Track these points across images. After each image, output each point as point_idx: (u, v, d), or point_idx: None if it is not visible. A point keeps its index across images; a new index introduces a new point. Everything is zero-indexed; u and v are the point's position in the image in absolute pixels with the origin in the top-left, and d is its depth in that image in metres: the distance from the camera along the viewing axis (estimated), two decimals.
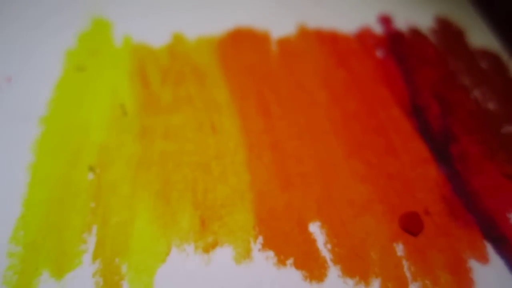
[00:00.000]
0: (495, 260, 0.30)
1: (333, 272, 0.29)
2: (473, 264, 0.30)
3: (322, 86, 0.41)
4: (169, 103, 0.39)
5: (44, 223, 0.31)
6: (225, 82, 0.41)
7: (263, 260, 0.30)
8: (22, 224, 0.31)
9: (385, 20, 0.48)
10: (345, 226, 0.31)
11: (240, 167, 0.34)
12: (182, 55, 0.43)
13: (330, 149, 0.36)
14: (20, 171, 0.33)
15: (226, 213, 0.32)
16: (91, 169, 0.34)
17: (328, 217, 0.32)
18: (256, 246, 0.30)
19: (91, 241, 0.30)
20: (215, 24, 0.46)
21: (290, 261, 0.30)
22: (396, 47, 0.45)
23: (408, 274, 0.29)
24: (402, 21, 0.48)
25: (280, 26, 0.46)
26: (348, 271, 0.29)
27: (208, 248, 0.30)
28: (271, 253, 0.30)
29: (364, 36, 0.46)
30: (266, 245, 0.30)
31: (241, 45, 0.44)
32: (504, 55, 0.44)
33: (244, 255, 0.30)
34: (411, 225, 0.31)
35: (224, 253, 0.30)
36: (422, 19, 0.48)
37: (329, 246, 0.30)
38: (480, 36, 0.47)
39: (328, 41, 0.45)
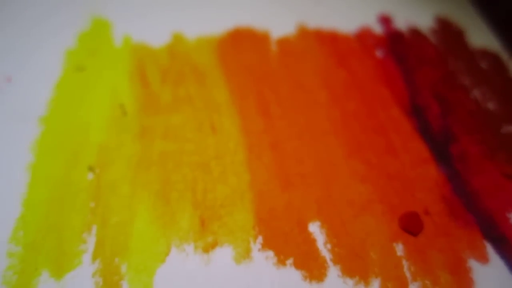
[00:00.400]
0: (495, 260, 0.30)
1: (333, 272, 0.29)
2: (473, 264, 0.30)
3: (322, 86, 0.41)
4: (169, 103, 0.39)
5: (44, 223, 0.31)
6: (225, 82, 0.41)
7: (263, 260, 0.30)
8: (21, 224, 0.31)
9: (385, 20, 0.48)
10: (345, 226, 0.31)
11: (240, 167, 0.34)
12: (182, 55, 0.43)
13: (330, 149, 0.36)
14: (19, 171, 0.33)
15: (226, 213, 0.32)
16: (91, 169, 0.34)
17: (328, 217, 0.32)
18: (255, 246, 0.30)
19: (91, 241, 0.30)
20: (215, 24, 0.46)
21: (290, 261, 0.30)
22: (396, 47, 0.45)
23: (408, 274, 0.29)
24: (402, 21, 0.48)
25: (280, 26, 0.46)
26: (348, 271, 0.29)
27: (207, 248, 0.30)
28: (270, 253, 0.30)
29: (364, 36, 0.46)
30: (266, 245, 0.30)
31: (241, 45, 0.44)
32: (504, 55, 0.44)
33: (244, 255, 0.30)
34: (411, 225, 0.31)
35: (224, 253, 0.30)
36: (422, 19, 0.48)
37: (329, 246, 0.30)
38: (480, 36, 0.47)
39: (328, 41, 0.45)
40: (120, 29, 0.45)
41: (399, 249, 0.30)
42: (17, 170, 0.33)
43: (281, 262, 0.29)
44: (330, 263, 0.30)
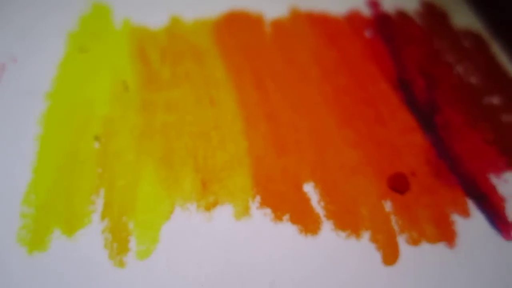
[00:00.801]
0: (476, 215, 0.33)
1: (326, 226, 0.31)
2: (456, 218, 0.32)
3: (314, 63, 0.43)
4: (169, 79, 0.41)
5: (54, 187, 0.33)
6: (221, 60, 0.43)
7: (261, 216, 0.32)
8: (33, 188, 0.33)
9: (373, 4, 0.50)
10: (337, 186, 0.34)
11: (238, 136, 0.37)
12: (180, 36, 0.45)
13: (322, 119, 0.38)
14: (29, 142, 0.35)
15: (226, 176, 0.34)
16: (97, 138, 0.36)
17: (321, 179, 0.34)
18: (254, 204, 0.32)
19: (99, 202, 0.32)
20: (210, 7, 0.48)
21: (286, 217, 0.32)
22: (384, 28, 0.48)
23: (396, 227, 0.32)
24: (390, 5, 0.50)
25: (273, 10, 0.48)
26: (340, 225, 0.31)
27: (209, 207, 0.32)
28: (268, 210, 0.32)
29: (353, 18, 0.48)
30: (264, 203, 0.32)
31: (236, 26, 0.46)
32: (485, 34, 0.47)
33: (243, 212, 0.32)
34: (398, 185, 0.34)
35: (225, 211, 0.32)
36: (409, 3, 0.50)
37: (322, 203, 0.33)
38: (463, 18, 0.49)
39: (319, 22, 0.47)
40: (119, 13, 0.47)
41: (388, 205, 0.33)
42: (26, 141, 0.35)
43: (278, 218, 0.32)
44: (323, 218, 0.32)
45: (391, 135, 0.37)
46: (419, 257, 0.30)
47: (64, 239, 0.30)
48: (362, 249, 0.30)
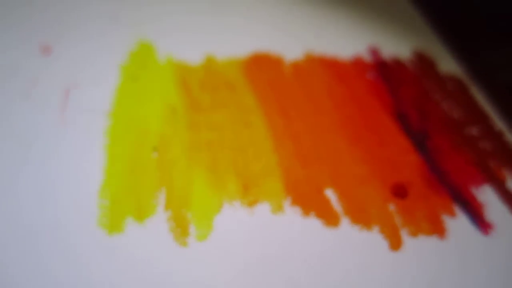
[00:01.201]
0: (461, 215, 0.41)
1: (344, 221, 0.40)
2: (445, 218, 0.41)
3: (326, 97, 0.52)
4: (209, 105, 0.49)
5: (124, 185, 0.40)
6: (251, 91, 0.52)
7: (292, 212, 0.40)
8: (107, 185, 0.40)
9: (374, 52, 0.60)
10: (351, 192, 0.42)
11: (269, 151, 0.45)
12: (215, 70, 0.54)
13: (335, 141, 0.47)
14: (99, 150, 0.43)
15: (262, 182, 0.42)
16: (155, 149, 0.44)
17: (338, 185, 0.42)
18: (286, 203, 0.40)
19: (162, 197, 0.40)
20: (238, 49, 0.57)
21: (312, 213, 0.40)
22: (383, 71, 0.57)
23: (398, 223, 0.40)
24: (387, 52, 0.60)
25: (291, 53, 0.58)
26: (355, 220, 0.40)
27: (251, 203, 0.40)
28: (298, 208, 0.40)
29: (357, 62, 0.58)
30: (294, 203, 0.40)
31: (261, 65, 0.55)
32: (465, 79, 0.57)
33: (279, 208, 0.40)
34: (399, 192, 0.42)
35: (263, 208, 0.40)
36: (403, 52, 0.61)
37: (340, 204, 0.41)
38: (448, 65, 0.59)
39: (330, 65, 0.57)
40: (162, 49, 0.56)
41: (391, 207, 0.41)
42: (97, 149, 0.43)
43: (306, 213, 0.40)
44: (341, 214, 0.40)
45: (392, 154, 0.46)
46: (417, 245, 0.39)
47: (136, 225, 0.38)
48: (373, 238, 0.39)
